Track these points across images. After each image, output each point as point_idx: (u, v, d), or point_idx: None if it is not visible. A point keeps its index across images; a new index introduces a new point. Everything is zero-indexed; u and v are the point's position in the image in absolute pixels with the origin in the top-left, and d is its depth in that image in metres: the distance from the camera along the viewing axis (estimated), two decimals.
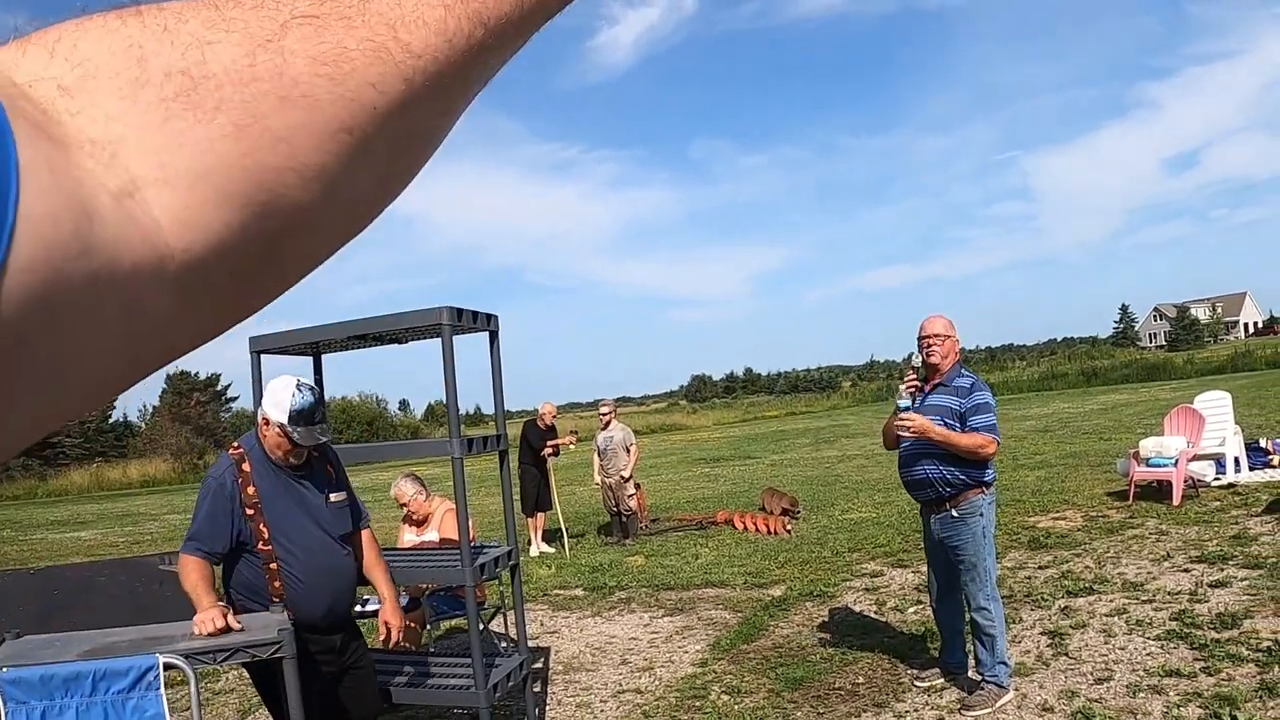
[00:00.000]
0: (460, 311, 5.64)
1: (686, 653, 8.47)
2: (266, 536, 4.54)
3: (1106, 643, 7.28)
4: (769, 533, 14.37)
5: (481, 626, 7.26)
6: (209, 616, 4.32)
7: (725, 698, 7.12)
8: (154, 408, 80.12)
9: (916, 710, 6.46)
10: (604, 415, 15.95)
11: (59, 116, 0.45)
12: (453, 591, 8.31)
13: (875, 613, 9.02)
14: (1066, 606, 8.36)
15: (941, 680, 6.87)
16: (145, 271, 0.47)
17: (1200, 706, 5.84)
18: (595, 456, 15.79)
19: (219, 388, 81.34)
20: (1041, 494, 14.78)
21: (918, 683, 6.94)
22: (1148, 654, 6.91)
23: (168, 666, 3.91)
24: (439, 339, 5.61)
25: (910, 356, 6.55)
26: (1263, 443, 14.86)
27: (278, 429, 4.54)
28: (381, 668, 5.77)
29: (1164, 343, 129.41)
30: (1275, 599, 7.78)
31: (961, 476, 6.29)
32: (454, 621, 9.23)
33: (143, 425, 78.97)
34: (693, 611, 9.96)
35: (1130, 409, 32.32)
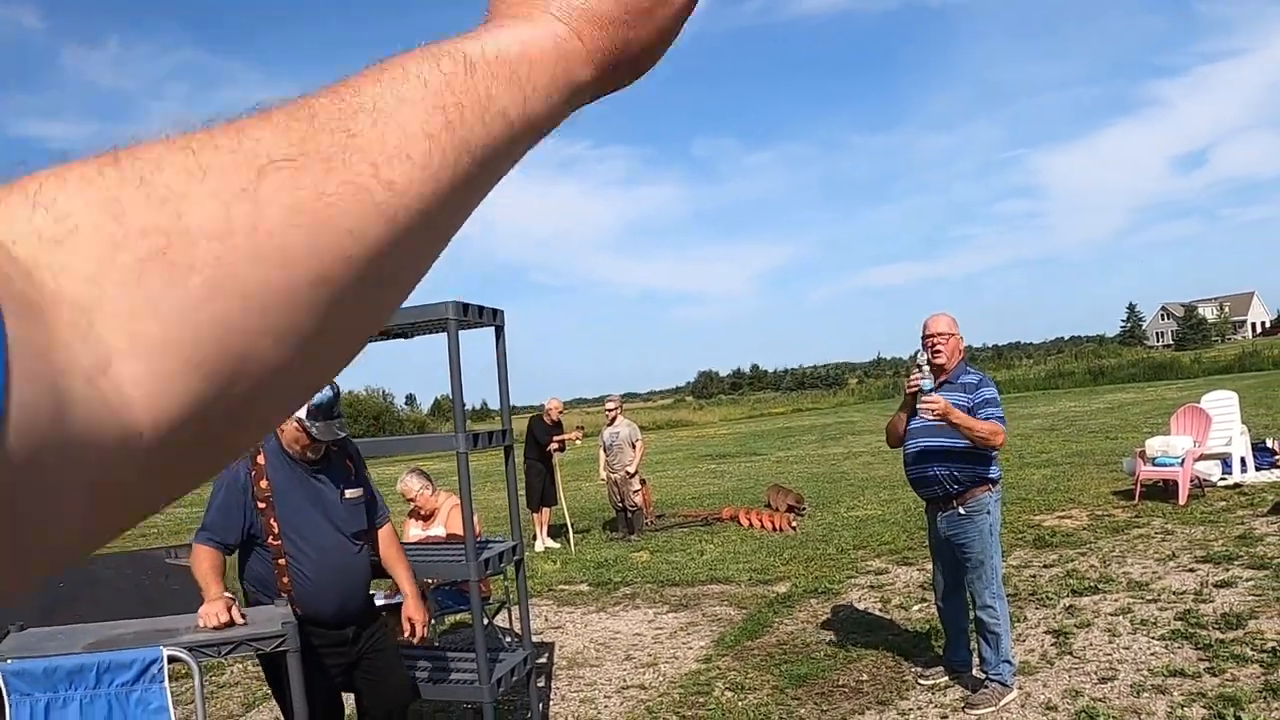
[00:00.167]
0: (466, 306, 5.64)
1: (691, 649, 8.48)
2: (276, 531, 4.53)
3: (1111, 642, 7.28)
4: (774, 529, 14.38)
5: (486, 621, 7.26)
6: (213, 610, 4.31)
7: (729, 694, 7.13)
8: None
9: (920, 708, 6.46)
10: (610, 411, 15.96)
11: (42, 275, 0.44)
12: (458, 586, 8.32)
13: (880, 610, 9.03)
14: (1071, 605, 8.35)
15: (945, 678, 6.87)
16: (113, 449, 0.46)
17: (1204, 707, 5.83)
18: (601, 452, 15.80)
19: None
20: (1047, 493, 14.76)
21: (922, 680, 6.94)
22: (1152, 654, 6.90)
23: (172, 659, 3.91)
24: (444, 334, 5.62)
25: (916, 355, 6.53)
26: (1269, 443, 14.83)
27: (295, 424, 4.50)
28: None
29: (1171, 342, 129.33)
30: None
31: (968, 474, 6.28)
32: (459, 616, 9.25)
33: None
34: (697, 607, 9.97)
35: (1137, 408, 32.27)
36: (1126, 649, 7.07)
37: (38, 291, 0.44)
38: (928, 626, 8.11)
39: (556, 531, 15.66)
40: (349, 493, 4.81)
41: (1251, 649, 6.67)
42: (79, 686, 3.80)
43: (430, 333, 6.20)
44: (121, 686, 3.84)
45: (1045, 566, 9.89)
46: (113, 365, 0.46)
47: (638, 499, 15.40)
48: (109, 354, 0.46)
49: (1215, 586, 8.37)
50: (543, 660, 8.26)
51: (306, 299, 0.51)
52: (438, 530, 8.73)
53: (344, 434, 4.69)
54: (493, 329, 6.13)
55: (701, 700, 7.06)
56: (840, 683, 7.13)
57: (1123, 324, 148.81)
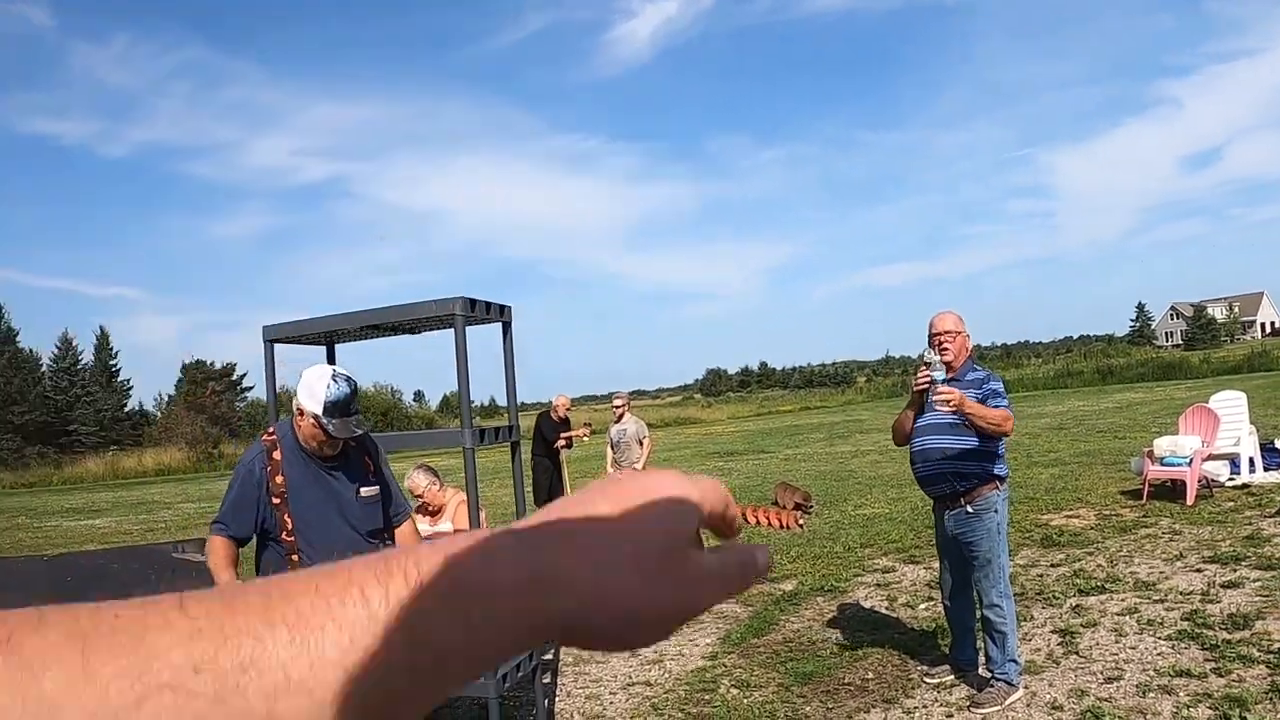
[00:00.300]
0: (473, 302, 5.64)
1: (696, 646, 8.48)
2: (290, 527, 4.51)
3: (1117, 642, 7.27)
4: (781, 527, 14.37)
5: None
6: None
7: (735, 691, 7.13)
8: (170, 397, 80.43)
9: (926, 706, 6.46)
10: (618, 407, 15.94)
11: None
12: None
13: (886, 608, 9.02)
14: (1078, 605, 8.35)
15: (951, 677, 6.86)
16: None
17: (1210, 707, 5.83)
18: (608, 449, 15.78)
19: (234, 377, 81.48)
20: (1055, 492, 14.76)
21: (927, 679, 6.93)
22: (1158, 654, 6.90)
23: None
24: (452, 330, 5.61)
25: (924, 354, 6.52)
26: (1278, 443, 14.81)
27: (312, 420, 4.47)
28: None
29: (1180, 341, 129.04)
30: None
31: (975, 471, 6.28)
32: None
33: (158, 414, 79.20)
34: None
35: (1145, 408, 32.23)
36: (1133, 649, 7.06)
37: None
38: (934, 625, 8.11)
39: None
40: (364, 491, 4.77)
41: (1258, 650, 6.66)
42: None
43: (437, 329, 6.20)
44: None
45: (1052, 566, 9.88)
46: None
47: None
48: None
49: (1222, 587, 8.36)
50: (548, 656, 8.25)
51: None
52: (445, 526, 8.73)
53: (361, 431, 4.65)
54: (500, 325, 6.13)
55: (707, 697, 7.06)
56: (846, 681, 7.13)
57: (1132, 323, 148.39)
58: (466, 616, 0.55)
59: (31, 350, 76.96)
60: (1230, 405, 14.06)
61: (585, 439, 16.47)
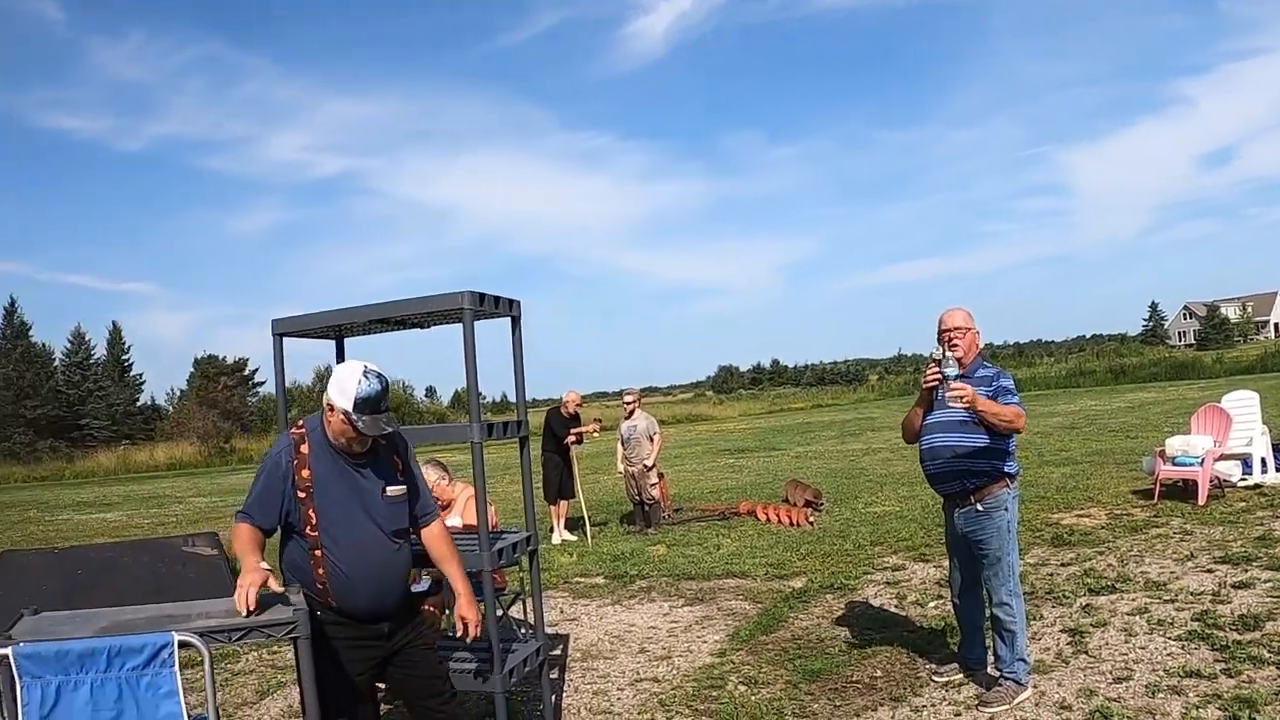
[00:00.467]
0: (482, 296, 5.64)
1: (705, 642, 8.48)
2: (314, 522, 4.48)
3: (1127, 642, 7.25)
4: (791, 524, 14.38)
5: (500, 612, 7.27)
6: (250, 579, 4.21)
7: (742, 688, 7.12)
8: (181, 391, 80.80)
9: (934, 705, 6.44)
10: (628, 404, 15.97)
11: None
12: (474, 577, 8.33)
13: (895, 607, 9.01)
14: (1088, 604, 8.33)
15: (960, 676, 6.85)
16: None
17: (1220, 708, 5.80)
18: (619, 445, 15.81)
19: (246, 372, 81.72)
20: (1066, 491, 14.75)
21: (936, 677, 6.92)
22: (1168, 654, 6.87)
23: (183, 645, 3.91)
24: (460, 324, 5.61)
25: (934, 351, 6.50)
26: None
27: (342, 416, 4.43)
28: None
29: (1193, 341, 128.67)
30: None
31: (985, 469, 6.26)
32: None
33: (170, 409, 79.52)
34: (713, 601, 9.97)
35: (1158, 407, 32.20)
36: (1143, 649, 7.04)
37: None
38: (943, 623, 8.10)
39: (573, 524, 15.70)
40: (391, 490, 4.71)
41: (1269, 651, 6.63)
42: (90, 670, 3.80)
43: (446, 323, 6.20)
44: (132, 670, 3.85)
45: (1063, 565, 9.86)
46: None
47: (655, 492, 15.41)
48: None
49: (1233, 587, 8.34)
50: (556, 652, 8.26)
51: None
52: (454, 521, 8.73)
53: (390, 429, 4.62)
54: (509, 319, 6.13)
55: (715, 694, 7.05)
56: (854, 679, 7.12)
57: (1145, 323, 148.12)
58: None
59: (44, 344, 77.39)
60: (1243, 405, 14.01)
61: (596, 435, 16.49)
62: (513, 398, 6.42)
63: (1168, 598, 8.28)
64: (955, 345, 6.38)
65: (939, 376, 6.31)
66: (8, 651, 3.73)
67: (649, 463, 15.23)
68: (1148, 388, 49.88)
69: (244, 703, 7.83)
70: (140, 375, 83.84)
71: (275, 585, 4.31)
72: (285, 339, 6.17)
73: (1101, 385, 58.90)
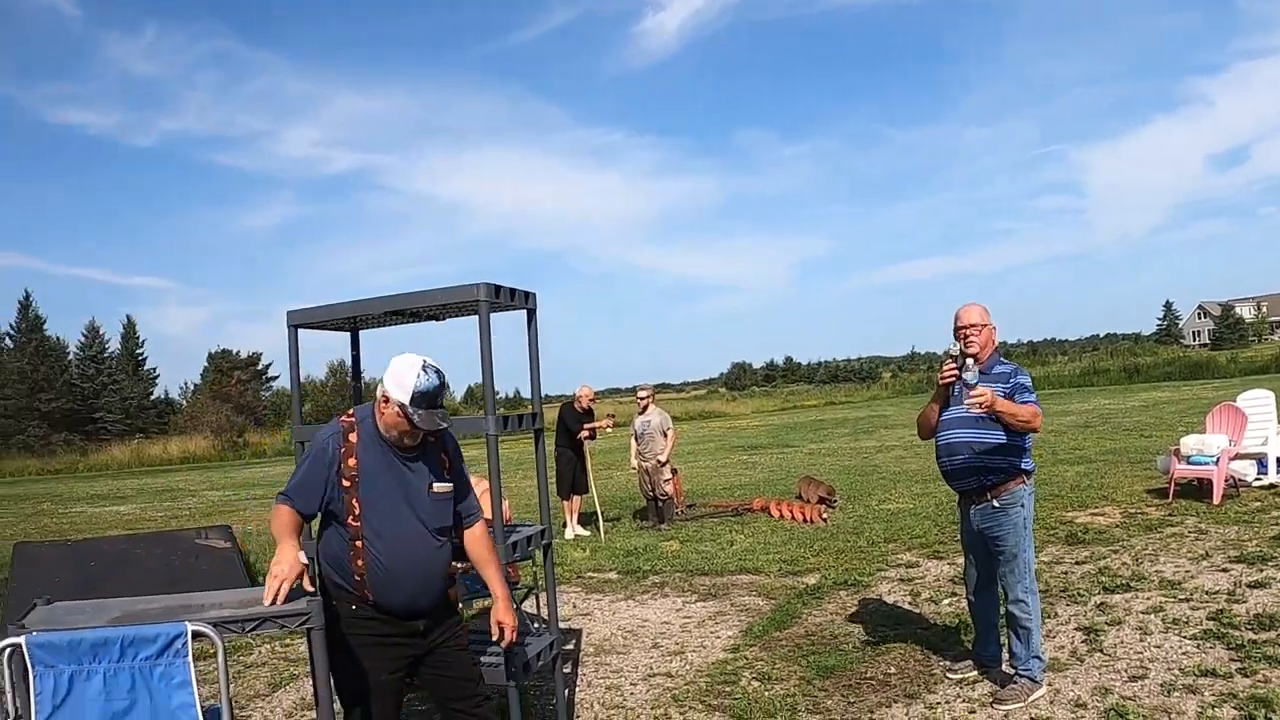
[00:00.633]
0: (498, 288, 5.63)
1: (719, 638, 8.47)
2: (357, 512, 4.44)
3: (1142, 640, 7.23)
4: (805, 521, 14.37)
5: (514, 606, 7.26)
6: (285, 560, 4.21)
7: (756, 684, 7.11)
8: (195, 385, 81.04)
9: (948, 702, 6.43)
10: (642, 399, 15.97)
11: None
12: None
13: (909, 603, 8.99)
14: (1103, 603, 8.31)
15: (974, 673, 6.83)
16: None
17: (1235, 708, 5.78)
18: (632, 440, 15.81)
19: (259, 366, 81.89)
20: (1080, 489, 14.72)
21: (950, 674, 6.90)
22: (1183, 653, 6.85)
23: (196, 635, 3.91)
24: (476, 316, 5.60)
25: (951, 348, 6.48)
26: None
27: (397, 409, 4.38)
28: None
29: (1207, 341, 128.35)
30: None
31: (1002, 466, 6.24)
32: (487, 600, 9.25)
33: (184, 403, 79.79)
34: (726, 597, 9.96)
35: (1172, 407, 32.13)
36: (1158, 648, 7.02)
37: None
38: (957, 621, 8.08)
39: (586, 519, 15.69)
40: (438, 486, 4.67)
41: None
42: (103, 659, 3.80)
43: (461, 315, 6.19)
44: (145, 660, 3.84)
45: (1077, 563, 9.84)
46: None
47: (669, 488, 15.41)
48: None
49: (1248, 587, 8.32)
50: (570, 646, 8.25)
51: None
52: None
53: (445, 425, 4.58)
54: (525, 312, 6.12)
55: (728, 689, 7.04)
56: (868, 675, 7.10)
57: (1159, 322, 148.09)
58: None
59: (59, 338, 77.65)
60: (1258, 404, 13.97)
61: (609, 430, 16.49)
62: (525, 394, 6.43)
63: (1183, 597, 8.26)
64: (971, 342, 6.36)
65: (955, 372, 6.30)
66: (21, 640, 3.73)
67: (663, 458, 15.23)
68: (1161, 387, 49.76)
69: (256, 695, 7.83)
70: (154, 369, 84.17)
71: (308, 585, 4.29)
72: (300, 331, 6.17)
73: (1115, 384, 58.74)
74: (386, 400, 4.41)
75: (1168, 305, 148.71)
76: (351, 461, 4.43)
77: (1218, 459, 12.63)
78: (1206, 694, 6.05)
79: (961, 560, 7.21)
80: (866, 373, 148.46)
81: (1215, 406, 14.33)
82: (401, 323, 6.48)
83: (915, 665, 7.24)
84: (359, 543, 4.41)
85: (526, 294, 6.01)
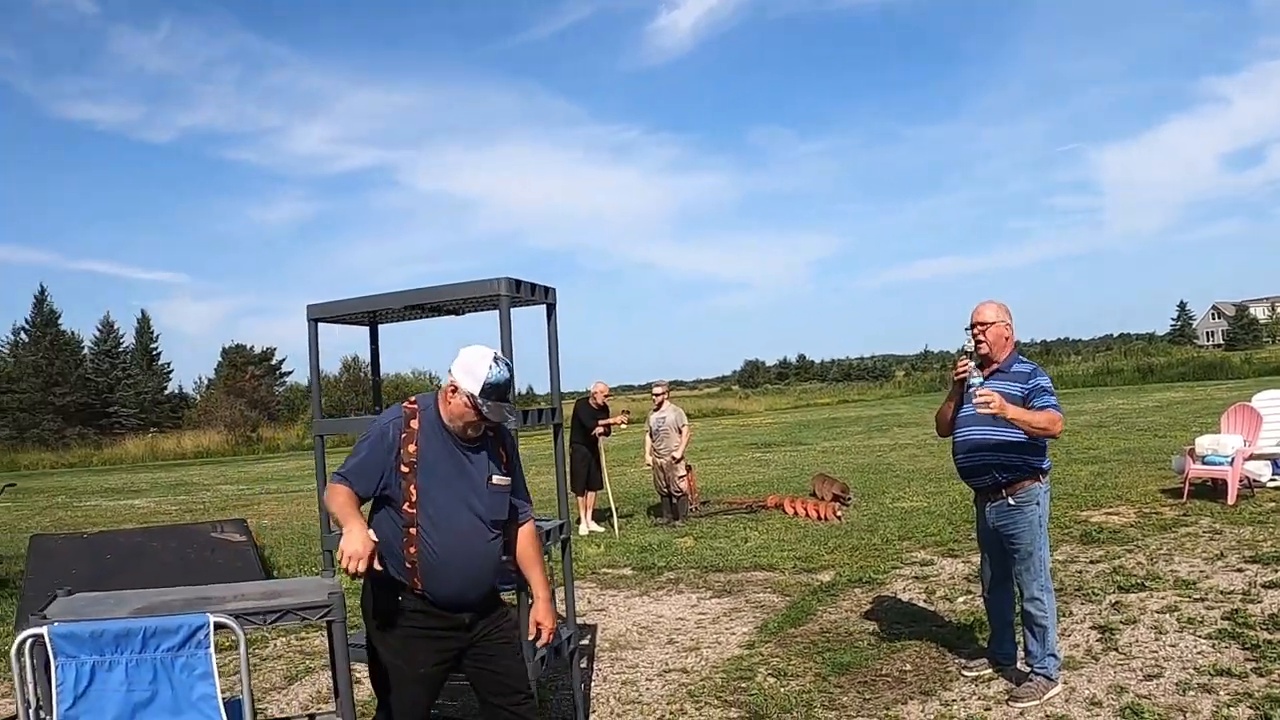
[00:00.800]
0: (519, 283, 5.65)
1: (734, 634, 8.49)
2: (414, 499, 4.42)
3: (1157, 639, 7.23)
4: (819, 518, 14.37)
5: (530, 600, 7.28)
6: (358, 539, 4.17)
7: (771, 680, 7.12)
8: (209, 380, 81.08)
9: (963, 699, 6.44)
10: (657, 395, 15.99)
11: None
12: (504, 565, 8.34)
13: (924, 601, 9.00)
14: (1118, 602, 8.31)
15: (989, 670, 6.84)
16: None
17: (1251, 707, 5.79)
18: (647, 437, 15.83)
19: (273, 361, 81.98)
20: (1095, 489, 14.72)
21: (965, 672, 6.91)
22: (1198, 652, 6.86)
23: (218, 626, 3.93)
24: (495, 311, 5.62)
25: (964, 345, 6.48)
26: None
27: (466, 398, 4.37)
28: None
29: (1221, 341, 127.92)
30: None
31: (1018, 464, 6.24)
32: (502, 595, 9.28)
33: (198, 397, 79.89)
34: (741, 594, 9.98)
35: (1186, 407, 32.08)
36: (1173, 647, 7.03)
37: None
38: (972, 619, 8.09)
39: (601, 515, 15.71)
40: (497, 479, 4.65)
41: None
42: (125, 650, 3.82)
43: (481, 310, 6.21)
44: (167, 651, 3.87)
45: (1092, 562, 9.84)
46: None
47: (683, 484, 15.43)
48: None
49: (1263, 587, 8.31)
50: (585, 642, 8.26)
51: None
52: None
53: (513, 418, 4.56)
54: (544, 307, 6.13)
55: (744, 685, 7.05)
56: (883, 672, 7.11)
57: (1173, 322, 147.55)
58: None
59: (73, 333, 77.80)
60: (1273, 405, 13.93)
61: (624, 427, 16.52)
62: (539, 389, 6.44)
63: (1197, 596, 8.26)
64: (981, 341, 6.37)
65: (967, 369, 6.31)
66: (43, 631, 3.76)
67: (677, 455, 15.26)
68: (1175, 387, 49.68)
69: (272, 688, 7.86)
70: (168, 364, 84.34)
71: (377, 565, 4.29)
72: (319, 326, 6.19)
73: (1129, 384, 58.65)
74: (455, 389, 4.40)
75: (1182, 305, 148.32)
76: (411, 448, 4.42)
77: (1232, 459, 12.61)
78: (1221, 693, 6.05)
79: (976, 558, 7.22)
80: (880, 371, 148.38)
81: (1230, 407, 14.31)
82: (421, 317, 6.50)
83: (930, 662, 7.25)
84: (413, 529, 4.39)
85: (546, 289, 6.03)
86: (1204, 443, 13.07)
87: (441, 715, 6.46)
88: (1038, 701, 6.17)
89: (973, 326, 6.41)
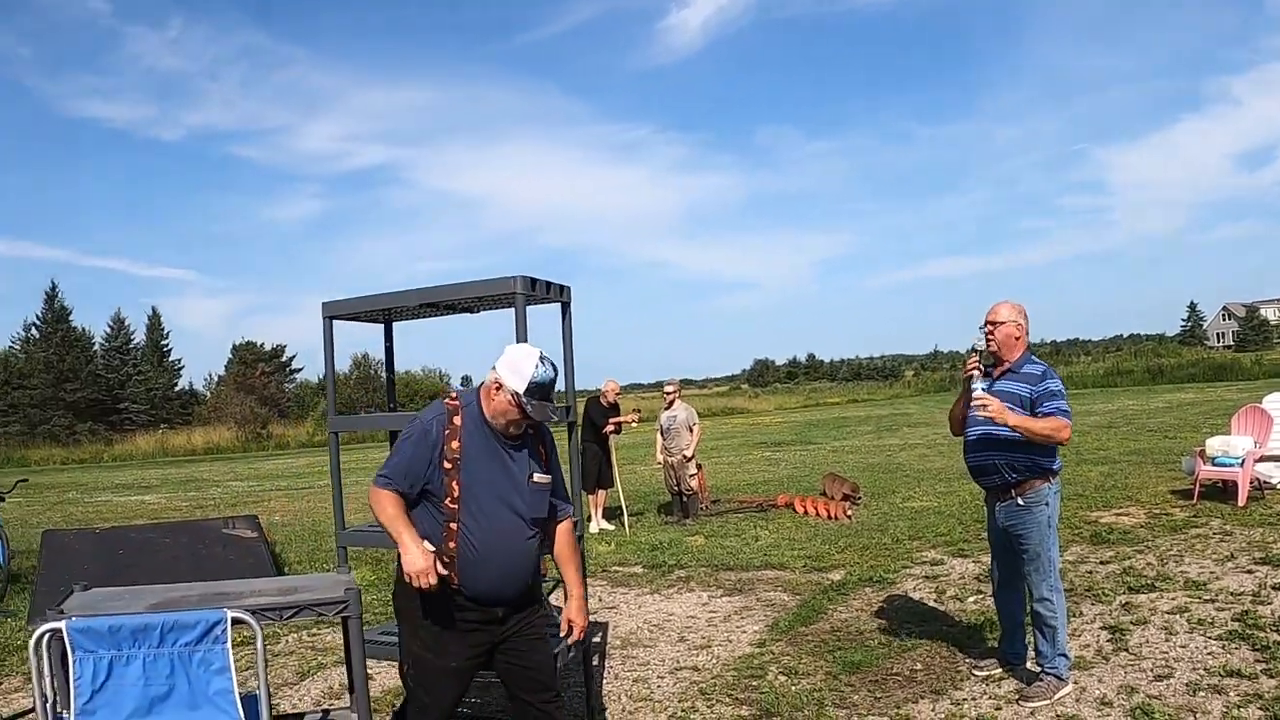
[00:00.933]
0: (534, 281, 5.67)
1: (744, 633, 8.50)
2: (456, 495, 4.44)
3: (1167, 640, 7.24)
4: (829, 518, 14.38)
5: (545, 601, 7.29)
6: (423, 561, 4.25)
7: (782, 678, 7.14)
8: (219, 377, 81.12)
9: (974, 699, 6.45)
10: (669, 394, 16.01)
11: None
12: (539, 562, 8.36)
13: (934, 601, 9.01)
14: (1128, 602, 8.32)
15: (1000, 670, 6.85)
16: None
17: (1261, 708, 5.80)
18: (658, 435, 15.85)
19: (284, 359, 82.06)
20: (1105, 489, 14.71)
21: (976, 671, 6.92)
22: (1209, 653, 6.86)
23: (235, 622, 3.96)
24: (510, 309, 5.64)
25: (975, 340, 6.49)
26: None
27: (511, 396, 4.39)
28: None
29: (1231, 343, 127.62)
30: None
31: (1027, 464, 6.25)
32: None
33: (208, 394, 79.95)
34: (751, 592, 10.00)
35: (1196, 408, 32.04)
36: (1183, 648, 7.03)
37: None
38: (982, 618, 8.10)
39: (611, 514, 15.73)
40: (537, 477, 4.67)
41: None
42: (143, 645, 3.85)
43: (497, 308, 6.24)
44: (185, 646, 3.89)
45: (1102, 563, 9.85)
46: None
47: (693, 483, 15.45)
48: None
49: (1273, 589, 8.32)
50: (596, 640, 8.27)
51: None
52: None
53: (556, 418, 4.59)
54: (559, 305, 6.16)
55: (755, 683, 7.07)
56: (894, 671, 7.13)
57: (1183, 323, 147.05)
58: None
59: (84, 329, 77.89)
60: None
61: (635, 425, 16.52)
62: None
63: (1208, 597, 8.27)
64: (990, 340, 6.39)
65: (976, 367, 6.33)
66: (61, 625, 3.79)
67: (688, 453, 15.28)
68: (1185, 388, 49.60)
69: (284, 684, 7.88)
70: (179, 360, 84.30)
71: (441, 570, 4.33)
72: (335, 321, 6.22)
73: (1139, 385, 58.54)
74: (499, 386, 4.42)
75: (1192, 306, 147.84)
76: (455, 444, 4.43)
77: (1243, 461, 12.61)
78: (1232, 694, 6.06)
79: (986, 558, 7.24)
80: (889, 371, 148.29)
81: (1241, 408, 14.29)
82: (436, 315, 6.53)
83: (941, 662, 7.27)
84: (453, 525, 4.41)
85: (562, 287, 6.06)
86: (1214, 444, 13.07)
87: (468, 713, 6.47)
88: (1048, 701, 6.19)
89: (985, 324, 6.43)
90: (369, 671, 5.01)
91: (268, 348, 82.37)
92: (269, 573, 10.68)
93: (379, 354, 7.05)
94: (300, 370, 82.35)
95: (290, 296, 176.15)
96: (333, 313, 6.17)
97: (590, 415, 15.48)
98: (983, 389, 6.24)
